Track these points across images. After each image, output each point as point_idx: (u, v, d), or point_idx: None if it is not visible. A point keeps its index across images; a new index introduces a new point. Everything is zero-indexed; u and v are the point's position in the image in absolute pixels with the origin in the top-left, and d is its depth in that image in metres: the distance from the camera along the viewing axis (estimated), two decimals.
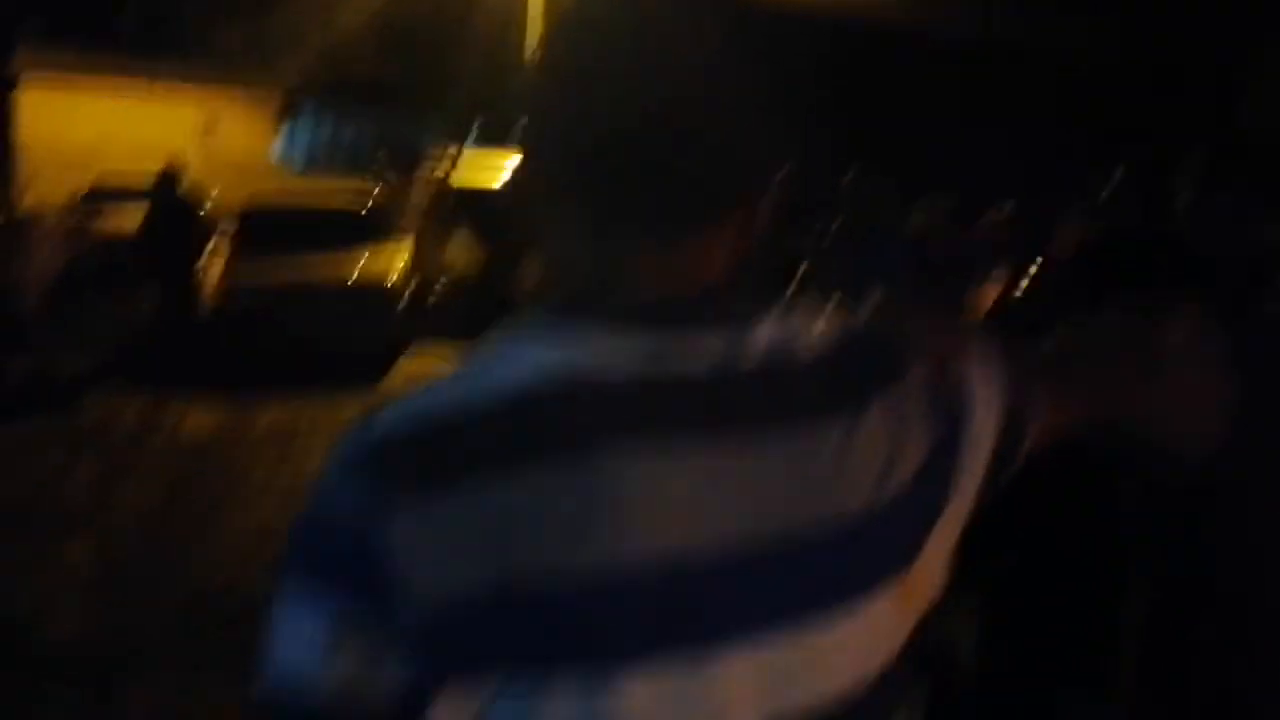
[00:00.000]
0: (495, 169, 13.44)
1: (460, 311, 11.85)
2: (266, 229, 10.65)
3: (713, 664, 0.78)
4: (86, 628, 4.59)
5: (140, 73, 25.94)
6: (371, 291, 10.06)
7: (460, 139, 22.60)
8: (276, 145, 30.23)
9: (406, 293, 10.56)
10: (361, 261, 10.28)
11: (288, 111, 30.38)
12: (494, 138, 29.27)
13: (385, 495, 0.76)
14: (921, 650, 0.92)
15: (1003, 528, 1.29)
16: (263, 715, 0.81)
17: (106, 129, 24.37)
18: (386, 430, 0.79)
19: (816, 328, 0.88)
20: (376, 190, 13.43)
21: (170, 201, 10.78)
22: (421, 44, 32.85)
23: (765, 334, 0.84)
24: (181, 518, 6.03)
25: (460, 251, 12.10)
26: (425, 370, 9.63)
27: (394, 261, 10.54)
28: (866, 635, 0.85)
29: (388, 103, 33.94)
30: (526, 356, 0.80)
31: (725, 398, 0.81)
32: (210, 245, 10.79)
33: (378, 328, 9.96)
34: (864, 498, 0.84)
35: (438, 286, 13.05)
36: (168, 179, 10.83)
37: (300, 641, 0.78)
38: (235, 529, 5.77)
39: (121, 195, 14.98)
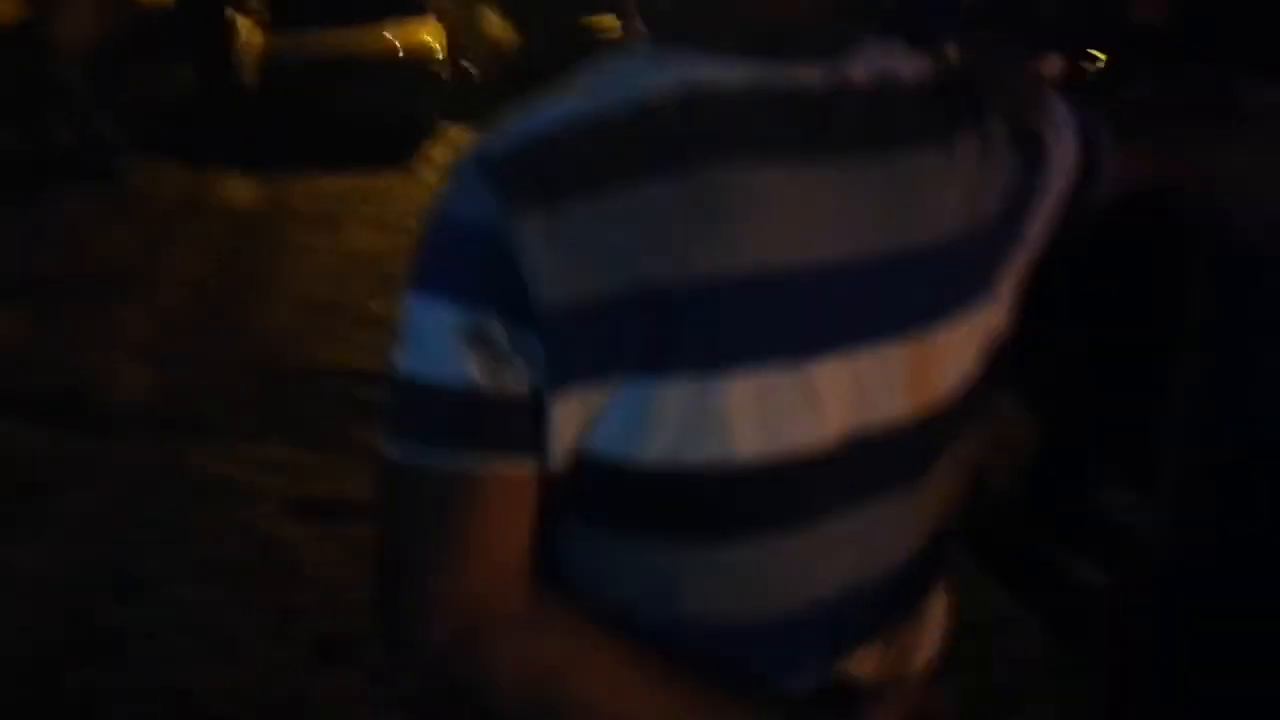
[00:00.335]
0: None
1: (494, 87, 11.61)
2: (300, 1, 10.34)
3: (811, 369, 0.82)
4: (147, 393, 4.71)
5: None
6: (407, 65, 9.81)
7: None
8: None
9: (441, 67, 10.29)
10: (397, 35, 9.99)
11: None
12: None
13: (515, 199, 0.77)
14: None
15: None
16: (393, 416, 0.83)
17: None
18: (514, 139, 0.80)
19: (910, 61, 0.89)
20: None
21: None
22: None
23: (865, 62, 0.86)
24: (230, 287, 6.09)
25: (493, 26, 11.74)
26: (454, 151, 9.50)
27: (428, 36, 10.22)
28: (946, 358, 0.88)
29: None
30: (642, 76, 0.82)
31: (831, 119, 0.83)
32: (244, 18, 10.53)
33: (413, 101, 9.78)
34: (952, 225, 0.87)
35: (470, 62, 12.75)
36: None
37: (429, 344, 0.79)
38: (282, 298, 5.83)
39: None
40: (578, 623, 0.86)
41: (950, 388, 0.89)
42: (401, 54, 9.83)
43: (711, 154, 0.79)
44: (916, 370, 0.87)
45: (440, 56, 10.24)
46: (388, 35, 9.94)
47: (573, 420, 0.79)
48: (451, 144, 9.71)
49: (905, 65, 0.88)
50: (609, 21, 11.31)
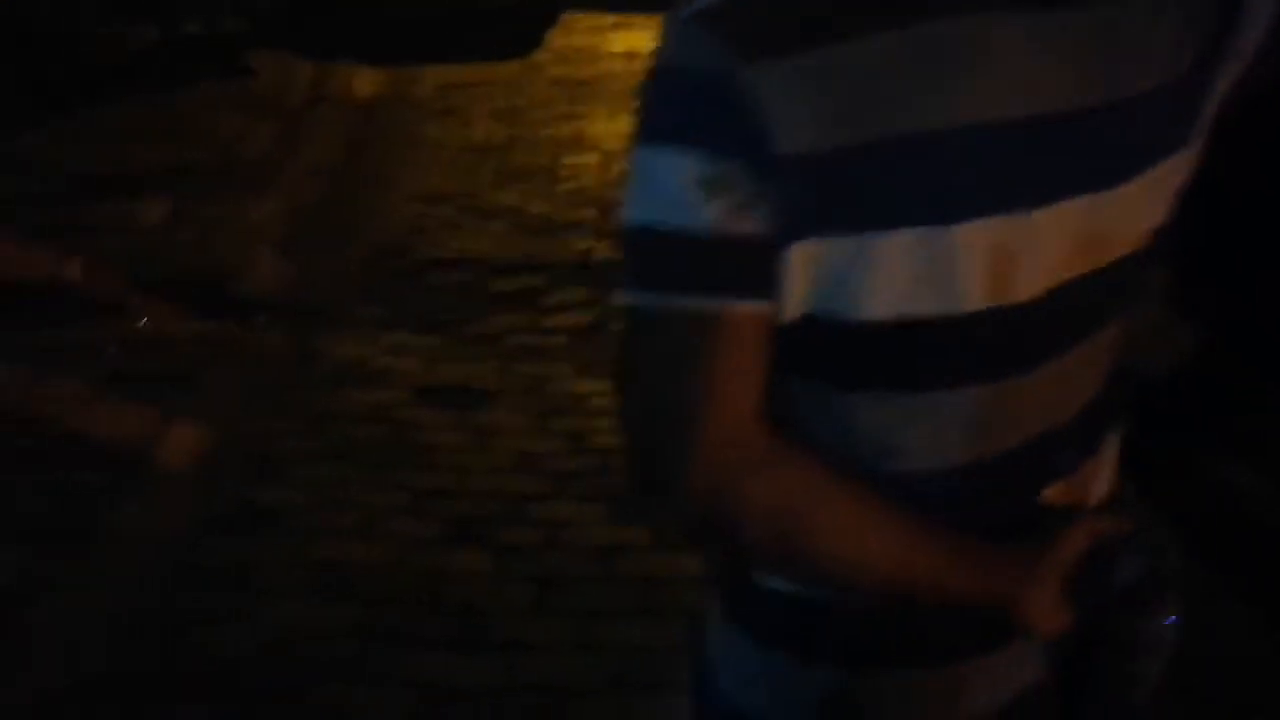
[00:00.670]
0: None
1: None
2: None
3: (1033, 220, 0.83)
4: (281, 281, 4.83)
5: None
6: None
7: None
8: None
9: None
10: None
11: None
12: None
13: (751, 46, 0.78)
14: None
15: None
16: (635, 266, 0.85)
17: None
18: None
19: None
20: None
21: None
22: None
23: None
24: (358, 178, 6.16)
25: None
26: (579, 39, 9.39)
27: None
28: (1143, 208, 0.91)
29: None
30: None
31: None
32: None
33: None
34: (1158, 76, 0.88)
35: None
36: None
37: (670, 193, 0.80)
38: (409, 189, 5.88)
39: None
40: (816, 465, 0.88)
41: (1143, 236, 0.92)
42: None
43: (940, 6, 0.79)
44: (1119, 219, 0.89)
45: None
46: None
47: (803, 272, 0.81)
48: (574, 32, 9.58)
49: None
50: None
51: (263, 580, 3.00)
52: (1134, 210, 0.90)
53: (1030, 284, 0.85)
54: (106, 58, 7.67)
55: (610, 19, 9.94)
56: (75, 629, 2.81)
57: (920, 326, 0.83)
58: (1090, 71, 0.84)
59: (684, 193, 0.80)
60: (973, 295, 0.83)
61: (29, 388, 3.78)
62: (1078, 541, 0.92)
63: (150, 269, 4.77)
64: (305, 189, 5.93)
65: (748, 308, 0.82)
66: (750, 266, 0.81)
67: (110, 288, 4.58)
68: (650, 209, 0.82)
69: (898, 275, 0.81)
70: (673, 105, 0.82)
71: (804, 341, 0.85)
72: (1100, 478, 1.03)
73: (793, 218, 0.80)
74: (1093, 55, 0.84)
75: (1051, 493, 0.97)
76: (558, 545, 3.13)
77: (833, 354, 0.86)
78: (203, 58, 8.02)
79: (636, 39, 9.26)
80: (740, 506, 0.86)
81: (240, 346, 4.25)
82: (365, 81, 8.12)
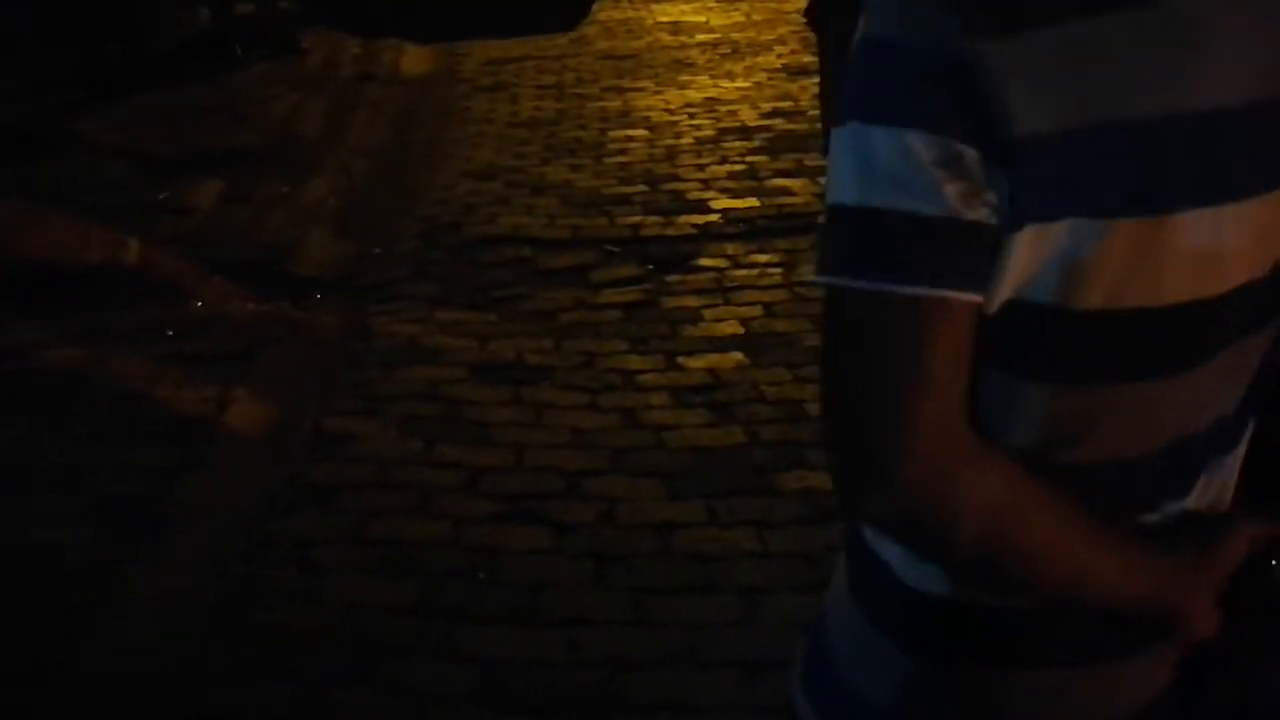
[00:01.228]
0: None
1: None
2: None
3: (1237, 212, 0.81)
4: (335, 260, 4.88)
5: None
6: None
7: None
8: None
9: None
10: None
11: None
12: None
13: (985, 20, 0.75)
14: None
15: None
16: (848, 247, 0.81)
17: None
18: None
19: None
20: None
21: None
22: None
23: None
24: (409, 156, 6.19)
25: None
26: (625, 12, 9.33)
27: None
28: None
29: None
30: None
31: None
32: None
33: None
34: None
35: None
36: None
37: (895, 173, 0.77)
38: (459, 166, 5.90)
39: None
40: (1017, 461, 0.85)
41: None
42: None
43: None
44: None
45: None
46: None
47: (1022, 259, 0.78)
48: (620, 4, 9.52)
49: None
50: None
51: (323, 558, 3.04)
52: None
53: (1224, 279, 0.83)
54: (160, 41, 7.75)
55: None
56: (141, 607, 2.87)
57: (1122, 316, 0.81)
58: None
59: (914, 174, 0.77)
60: (1175, 288, 0.81)
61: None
62: (1239, 546, 0.91)
63: (206, 250, 4.84)
64: (356, 167, 5.98)
65: (969, 296, 0.79)
66: (975, 253, 0.78)
67: (167, 269, 4.66)
68: (870, 190, 0.79)
69: (1113, 264, 0.79)
70: (898, 82, 0.78)
71: (1002, 331, 0.82)
72: (1232, 480, 1.01)
73: (1021, 202, 0.77)
74: None
75: (1198, 491, 0.95)
76: (613, 521, 3.14)
77: (1030, 344, 0.83)
78: (254, 38, 8.08)
79: (681, 11, 9.20)
80: (957, 501, 0.82)
81: (296, 325, 4.30)
82: (413, 59, 8.15)
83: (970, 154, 0.76)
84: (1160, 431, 0.89)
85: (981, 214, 0.77)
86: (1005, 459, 0.85)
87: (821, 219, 0.85)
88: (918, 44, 0.77)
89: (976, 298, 0.80)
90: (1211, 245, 0.81)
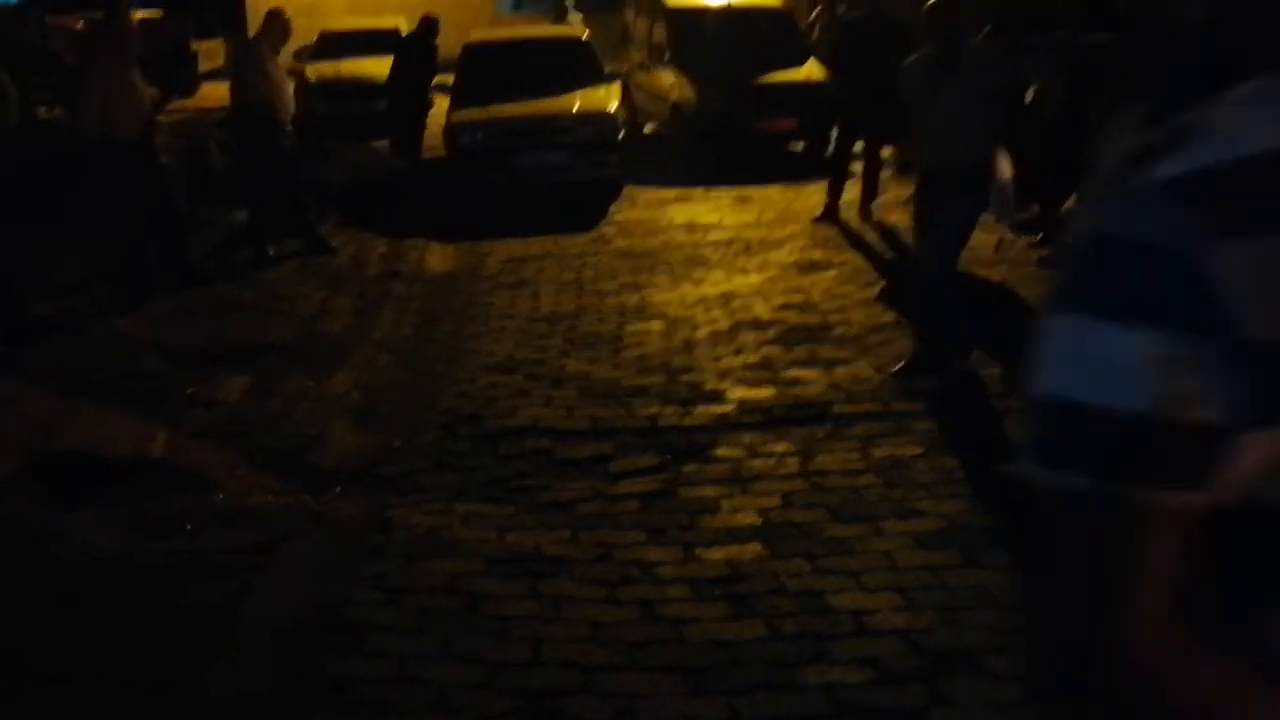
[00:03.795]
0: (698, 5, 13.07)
1: (675, 147, 11.82)
2: (488, 67, 10.88)
3: None
4: (357, 452, 4.94)
5: None
6: (590, 130, 10.10)
7: None
8: None
9: (623, 130, 10.56)
10: (578, 102, 10.31)
11: None
12: None
13: (1219, 226, 0.75)
14: None
15: None
16: (1060, 445, 0.81)
17: None
18: (1200, 162, 0.78)
19: None
20: (583, 30, 13.32)
21: (424, 45, 11.48)
22: None
23: None
24: (432, 350, 6.36)
25: (671, 88, 11.96)
26: (641, 212, 9.69)
27: (609, 101, 10.51)
28: None
29: None
30: None
31: None
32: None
33: (597, 165, 10.05)
34: None
35: (651, 123, 13.01)
36: (429, 24, 11.50)
37: (1112, 371, 0.77)
38: (481, 359, 6.04)
39: (342, 47, 15.60)
40: (1238, 665, 0.83)
41: None
42: (584, 120, 10.12)
43: None
44: None
45: (621, 120, 10.51)
46: (570, 103, 10.26)
47: (1256, 461, 0.77)
48: (636, 204, 9.91)
49: None
50: (783, 76, 11.38)
51: None
52: None
53: None
54: (198, 241, 8.09)
55: (671, 192, 10.32)
56: None
57: None
58: None
59: (1137, 373, 0.76)
60: None
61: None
62: None
63: (231, 443, 4.93)
64: (380, 361, 6.13)
65: (1186, 498, 0.78)
66: (1195, 455, 0.77)
67: (192, 461, 4.73)
68: (1085, 385, 0.78)
69: None
70: (1127, 278, 0.78)
71: (1229, 533, 0.80)
72: None
73: (1254, 405, 0.76)
74: None
75: None
76: (632, 719, 3.09)
77: (1260, 548, 0.81)
78: (291, 238, 8.42)
79: (696, 211, 9.57)
80: (1171, 699, 0.80)
81: (317, 517, 4.33)
82: (438, 257, 8.47)
83: (1201, 354, 0.75)
84: None
85: (1206, 415, 0.76)
86: (1227, 661, 0.82)
87: (1030, 408, 0.84)
88: (1153, 241, 0.77)
89: (1196, 497, 0.78)
90: None
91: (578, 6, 17.17)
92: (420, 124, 10.89)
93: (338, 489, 4.54)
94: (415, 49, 11.82)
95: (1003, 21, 8.27)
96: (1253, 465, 0.77)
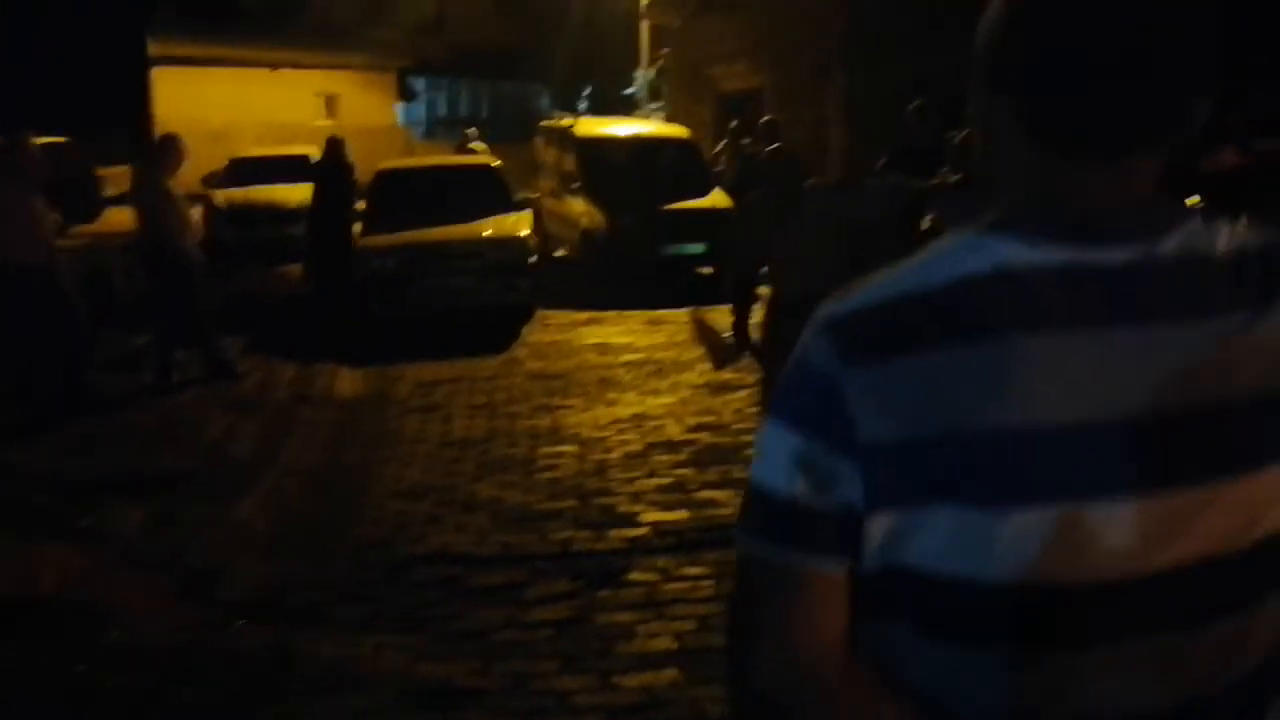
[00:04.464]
0: (606, 135, 13.46)
1: (586, 271, 12.00)
2: (399, 193, 10.98)
3: (1092, 510, 0.93)
4: (263, 582, 4.79)
5: (263, 57, 26.82)
6: (501, 255, 10.20)
7: (571, 108, 22.81)
8: (398, 117, 30.83)
9: (534, 255, 10.69)
10: (490, 228, 10.44)
11: (405, 90, 30.93)
12: (602, 106, 29.69)
13: (851, 354, 0.98)
14: None
15: None
16: (745, 511, 1.06)
17: (234, 110, 25.26)
18: (856, 303, 1.00)
19: (1232, 235, 0.99)
20: (493, 159, 13.56)
21: (338, 167, 11.58)
22: (532, 17, 33.12)
23: (1182, 238, 0.98)
24: (341, 476, 6.24)
25: (582, 214, 12.20)
26: (553, 334, 9.76)
27: (520, 226, 10.66)
28: (1240, 506, 0.95)
29: (501, 75, 34.40)
30: (963, 258, 0.99)
31: (1131, 292, 0.95)
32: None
33: (509, 290, 10.13)
34: (1257, 385, 0.95)
35: (562, 249, 13.22)
36: (334, 146, 11.62)
37: (773, 459, 1.02)
38: (391, 485, 5.94)
39: (252, 173, 15.64)
40: (883, 697, 1.02)
41: (1246, 535, 0.96)
42: (494, 244, 10.23)
43: (1011, 325, 0.94)
44: (1206, 512, 0.95)
45: (532, 245, 10.66)
46: (480, 228, 10.38)
47: (884, 535, 0.97)
48: (548, 327, 9.98)
49: (1226, 240, 0.98)
50: (690, 204, 11.69)
51: None
52: (1211, 507, 0.94)
53: (1083, 568, 0.94)
54: (96, 368, 7.89)
55: (583, 315, 10.43)
56: None
57: (966, 587, 0.96)
58: (1165, 380, 0.93)
59: (784, 462, 1.01)
60: (1009, 569, 0.94)
61: None
62: None
63: (129, 575, 4.74)
64: (287, 488, 5.99)
65: (822, 563, 1.01)
66: (829, 530, 0.99)
67: (84, 598, 4.53)
68: (764, 472, 1.03)
69: (943, 543, 0.95)
70: (789, 390, 1.02)
71: (884, 592, 1.00)
72: None
73: (874, 493, 0.97)
74: (1170, 366, 0.94)
75: None
76: None
77: (901, 604, 1.00)
78: (195, 364, 8.27)
79: (607, 333, 9.68)
80: (808, 713, 1.03)
81: (217, 654, 4.16)
82: (347, 381, 8.38)
83: (826, 451, 0.98)
84: (1057, 708, 0.98)
85: (833, 498, 0.98)
86: (870, 693, 1.02)
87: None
88: (810, 363, 1.00)
89: (833, 563, 1.01)
90: (1053, 535, 0.93)
91: (481, 137, 17.52)
92: (341, 248, 10.88)
93: (241, 622, 4.38)
94: (328, 173, 11.90)
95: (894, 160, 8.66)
96: (876, 538, 0.98)
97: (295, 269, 12.46)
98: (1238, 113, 8.73)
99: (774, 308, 5.53)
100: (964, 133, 5.35)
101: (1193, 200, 7.04)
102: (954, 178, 6.35)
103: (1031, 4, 0.97)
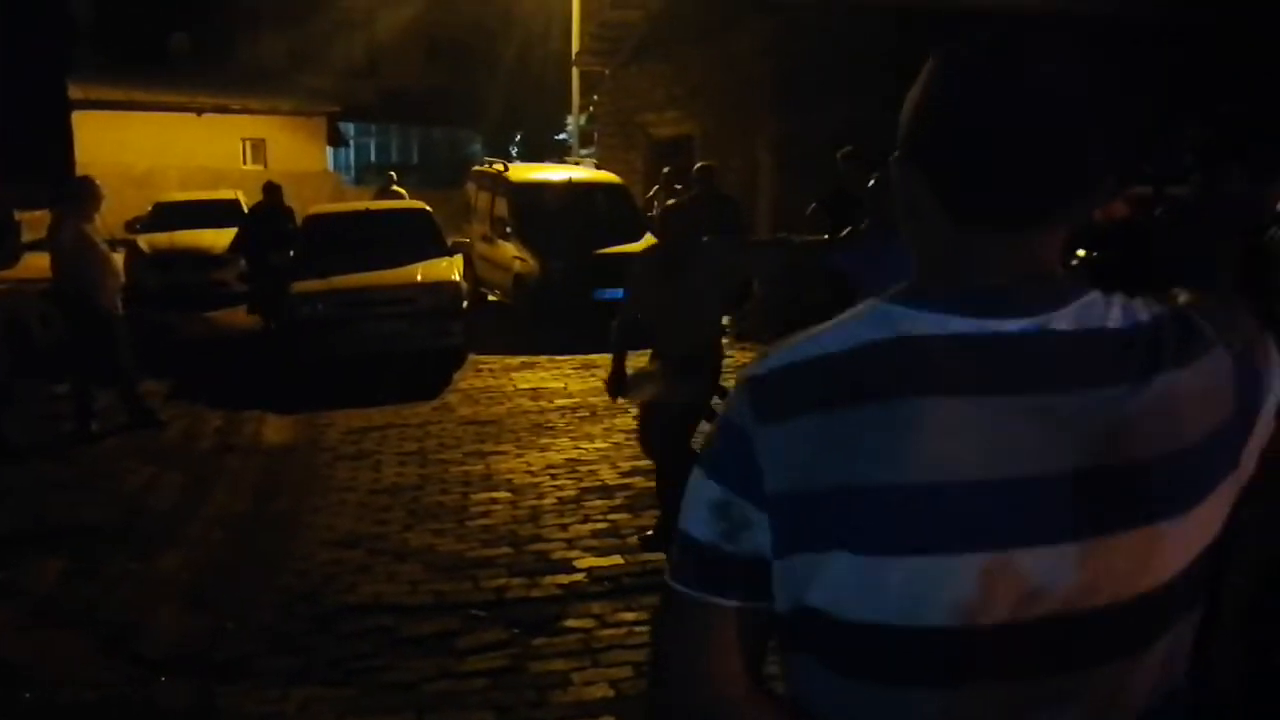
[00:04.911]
0: (539, 180, 13.51)
1: (517, 316, 11.97)
2: (329, 238, 10.90)
3: (968, 562, 1.00)
4: (186, 636, 4.65)
5: (188, 102, 26.57)
6: (432, 301, 10.14)
7: (503, 153, 22.89)
8: (328, 162, 30.62)
9: (465, 300, 10.64)
10: (420, 273, 10.38)
11: (336, 135, 30.77)
12: (533, 152, 29.81)
13: (761, 413, 1.05)
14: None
15: None
16: (674, 553, 1.14)
17: (158, 154, 24.91)
18: (771, 362, 1.08)
19: (1126, 310, 1.06)
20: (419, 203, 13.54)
21: (274, 211, 11.61)
22: (463, 63, 33.24)
23: (1078, 312, 1.04)
24: (267, 525, 6.10)
25: (513, 260, 12.20)
26: (485, 379, 9.71)
27: (451, 272, 10.62)
28: (1130, 563, 1.02)
29: (432, 120, 34.40)
30: (868, 327, 1.06)
31: (1021, 362, 1.02)
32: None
33: (440, 335, 10.06)
34: (1145, 450, 1.01)
35: (494, 294, 13.18)
36: (272, 191, 11.63)
37: (695, 508, 1.10)
38: (319, 535, 5.82)
39: (177, 218, 15.42)
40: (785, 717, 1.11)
41: (1135, 587, 1.02)
42: (426, 289, 10.17)
43: (907, 390, 1.01)
44: (1097, 570, 1.01)
45: (464, 291, 10.61)
46: (412, 272, 10.32)
47: (791, 579, 1.05)
48: (481, 372, 9.92)
49: (1119, 314, 1.05)
50: (626, 249, 11.76)
51: None
52: (1120, 557, 1.01)
53: (972, 613, 1.01)
54: (11, 417, 7.66)
55: (515, 360, 10.38)
56: None
57: (862, 628, 1.03)
58: (1052, 444, 1.00)
59: (702, 510, 1.09)
60: (901, 612, 1.01)
61: None
62: None
63: (43, 633, 4.58)
64: (212, 539, 5.85)
65: (736, 603, 1.09)
66: (741, 573, 1.08)
67: (0, 653, 4.36)
68: (687, 519, 1.11)
69: (839, 588, 1.03)
70: (713, 444, 1.10)
71: (795, 629, 1.08)
72: None
73: (780, 539, 1.05)
74: (1056, 431, 1.00)
75: None
76: None
77: (811, 641, 1.08)
78: (115, 414, 8.06)
79: (541, 378, 9.64)
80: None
81: (136, 711, 4.02)
82: (275, 429, 8.22)
83: (738, 501, 1.06)
84: None
85: (744, 544, 1.07)
86: (772, 712, 1.11)
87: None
88: (731, 418, 1.09)
89: (746, 603, 1.09)
90: (942, 582, 1.00)
91: (403, 182, 17.52)
92: (280, 294, 10.80)
93: (163, 678, 4.24)
94: (266, 218, 11.93)
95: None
96: (784, 581, 1.06)
97: (221, 314, 12.28)
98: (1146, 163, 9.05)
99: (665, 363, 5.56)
100: (873, 178, 5.45)
101: (1081, 253, 7.27)
102: (864, 224, 6.54)
103: (944, 83, 1.04)
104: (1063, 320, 1.04)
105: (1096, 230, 7.14)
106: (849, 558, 1.01)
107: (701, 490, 1.10)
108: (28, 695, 4.07)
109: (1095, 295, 1.06)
